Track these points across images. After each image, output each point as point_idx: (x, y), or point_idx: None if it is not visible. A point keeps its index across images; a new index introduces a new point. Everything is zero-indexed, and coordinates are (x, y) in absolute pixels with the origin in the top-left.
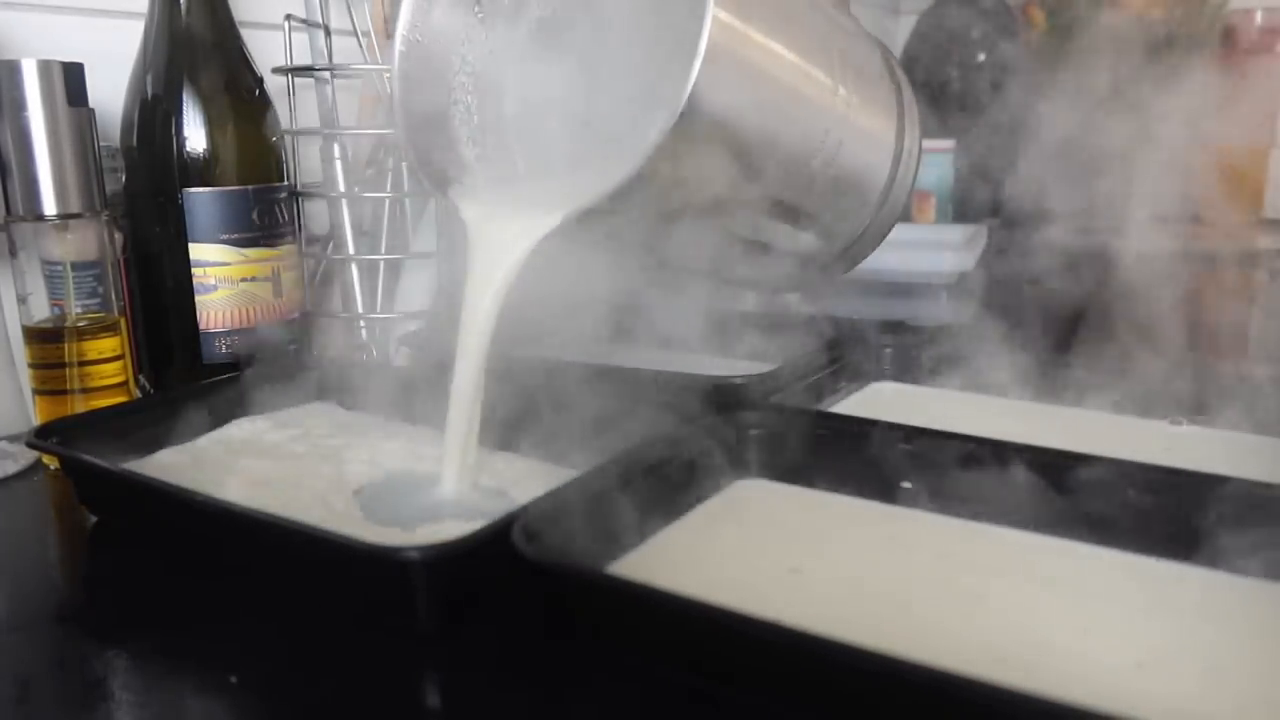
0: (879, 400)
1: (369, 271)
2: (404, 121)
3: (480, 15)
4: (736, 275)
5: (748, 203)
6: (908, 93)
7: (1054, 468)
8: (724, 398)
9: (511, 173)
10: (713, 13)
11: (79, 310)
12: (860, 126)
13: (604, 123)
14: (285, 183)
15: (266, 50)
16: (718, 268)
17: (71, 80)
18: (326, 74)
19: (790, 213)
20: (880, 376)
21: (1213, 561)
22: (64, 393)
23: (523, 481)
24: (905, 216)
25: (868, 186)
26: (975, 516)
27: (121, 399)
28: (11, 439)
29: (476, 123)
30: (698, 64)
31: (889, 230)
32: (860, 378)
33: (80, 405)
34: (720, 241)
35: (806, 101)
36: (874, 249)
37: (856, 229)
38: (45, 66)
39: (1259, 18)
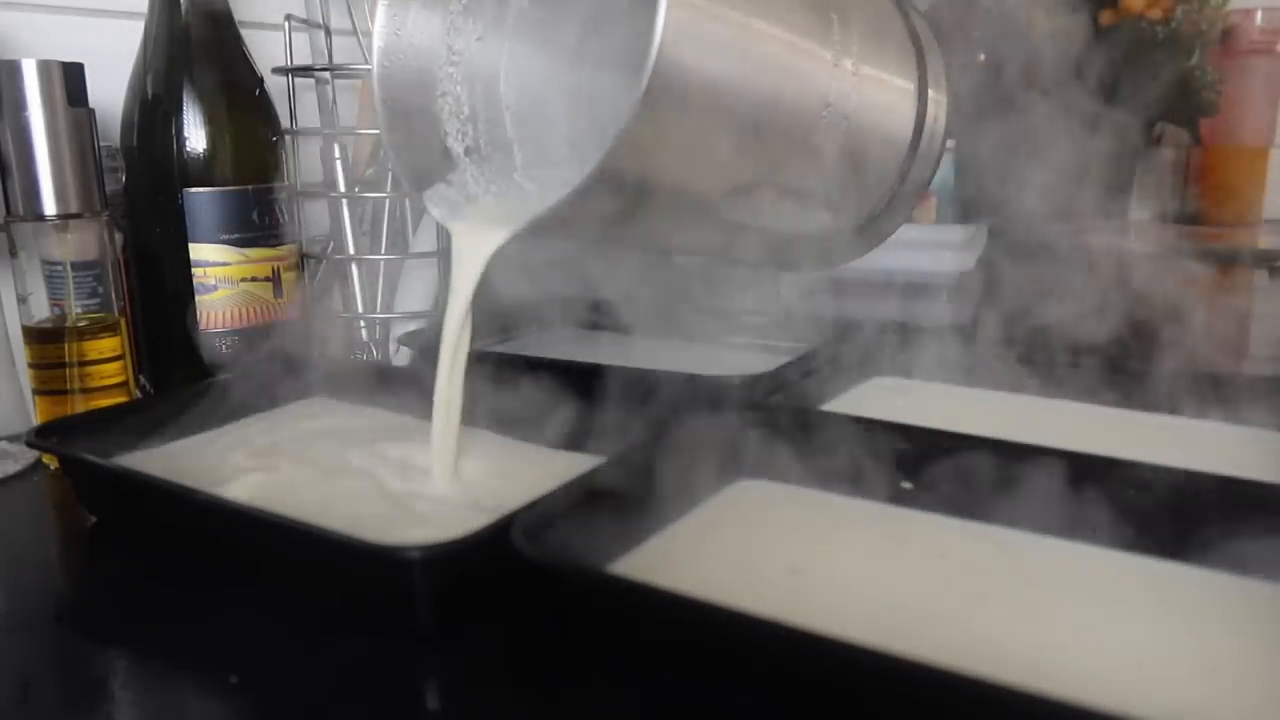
0: (879, 399)
1: (369, 271)
2: (386, 120)
3: (463, 5)
4: (749, 255)
5: (742, 183)
6: (934, 58)
7: (1054, 467)
8: (724, 397)
9: (507, 164)
10: None
11: (79, 310)
12: (870, 99)
13: (599, 106)
14: (285, 183)
15: (266, 50)
16: (726, 248)
17: (71, 80)
18: (326, 74)
19: (794, 191)
20: (880, 375)
21: (1213, 561)
22: (64, 393)
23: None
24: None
25: (884, 160)
26: (975, 516)
27: (121, 399)
28: (11, 439)
29: (467, 114)
30: (657, 39)
31: (915, 203)
32: (860, 377)
33: (80, 405)
34: (720, 224)
35: (796, 75)
36: (901, 222)
37: (877, 204)
38: (45, 66)
39: (1259, 18)
